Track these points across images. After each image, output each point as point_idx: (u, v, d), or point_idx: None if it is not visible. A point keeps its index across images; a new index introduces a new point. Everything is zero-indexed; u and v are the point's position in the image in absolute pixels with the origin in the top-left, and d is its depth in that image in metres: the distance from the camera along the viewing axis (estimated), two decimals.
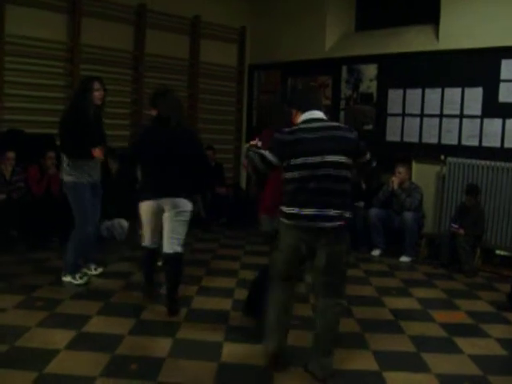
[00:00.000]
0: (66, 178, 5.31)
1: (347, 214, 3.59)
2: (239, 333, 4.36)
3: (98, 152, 5.22)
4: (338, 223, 3.54)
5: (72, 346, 3.99)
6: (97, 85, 5.33)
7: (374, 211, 7.31)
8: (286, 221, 3.62)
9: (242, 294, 5.32)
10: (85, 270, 5.61)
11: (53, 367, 3.63)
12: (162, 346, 4.06)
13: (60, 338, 4.09)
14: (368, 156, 3.81)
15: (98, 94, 5.34)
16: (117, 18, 8.17)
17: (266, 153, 3.61)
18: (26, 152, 6.94)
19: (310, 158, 3.51)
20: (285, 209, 3.61)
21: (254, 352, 4.00)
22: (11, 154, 6.67)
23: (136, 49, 8.46)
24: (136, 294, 5.21)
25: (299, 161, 3.53)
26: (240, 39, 9.84)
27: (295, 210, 3.55)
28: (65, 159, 5.33)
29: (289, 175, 3.59)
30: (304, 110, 3.68)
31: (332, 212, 3.52)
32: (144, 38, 8.45)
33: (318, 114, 3.68)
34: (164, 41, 8.67)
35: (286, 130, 3.62)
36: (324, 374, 3.65)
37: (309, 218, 3.52)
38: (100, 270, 5.81)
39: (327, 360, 3.69)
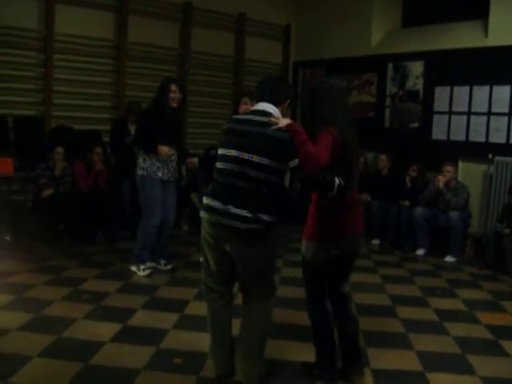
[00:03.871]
0: (137, 171, 5.51)
1: (264, 217, 3.11)
2: (275, 329, 4.30)
3: (162, 150, 5.32)
4: (250, 225, 3.10)
5: (117, 338, 4.06)
6: (173, 87, 5.42)
7: (419, 210, 7.20)
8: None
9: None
10: (152, 265, 5.74)
11: (98, 359, 3.70)
12: (205, 340, 4.04)
13: (105, 330, 4.17)
14: (295, 162, 3.12)
15: (173, 96, 5.41)
16: (163, 15, 8.27)
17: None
18: (73, 148, 7.05)
19: (227, 151, 3.21)
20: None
21: (288, 348, 4.02)
22: (60, 149, 6.79)
23: (182, 46, 8.54)
24: (180, 289, 5.27)
25: (220, 151, 3.29)
26: (285, 36, 9.83)
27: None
28: (141, 154, 5.50)
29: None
30: (256, 101, 3.33)
31: (236, 210, 3.11)
32: (190, 35, 8.52)
33: (264, 105, 3.25)
34: (209, 38, 8.72)
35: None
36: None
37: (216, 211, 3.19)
38: (170, 266, 5.87)
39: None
